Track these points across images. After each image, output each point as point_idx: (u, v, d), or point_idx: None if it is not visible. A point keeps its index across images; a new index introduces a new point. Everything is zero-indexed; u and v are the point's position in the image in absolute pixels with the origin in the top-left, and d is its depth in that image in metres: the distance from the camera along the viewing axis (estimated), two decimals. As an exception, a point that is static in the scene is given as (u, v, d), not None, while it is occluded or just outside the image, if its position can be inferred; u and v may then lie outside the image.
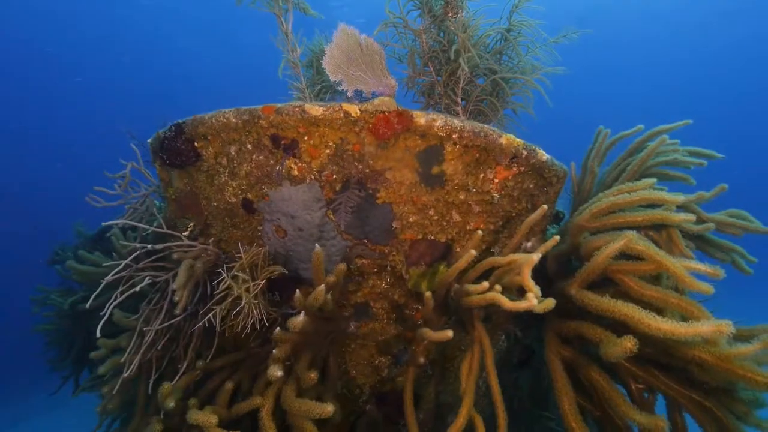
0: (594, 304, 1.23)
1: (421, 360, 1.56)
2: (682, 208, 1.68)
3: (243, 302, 1.43)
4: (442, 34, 1.63)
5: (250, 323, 1.45)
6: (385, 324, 1.96)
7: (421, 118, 1.56)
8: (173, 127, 1.76)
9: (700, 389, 1.33)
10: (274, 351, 1.35)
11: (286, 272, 1.80)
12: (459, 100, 1.73)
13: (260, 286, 1.49)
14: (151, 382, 1.67)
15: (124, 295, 1.49)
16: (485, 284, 1.27)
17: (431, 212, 1.75)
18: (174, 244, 1.69)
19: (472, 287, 1.30)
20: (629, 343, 1.10)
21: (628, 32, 22.71)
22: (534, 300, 1.10)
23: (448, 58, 1.61)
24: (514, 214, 1.90)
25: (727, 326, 0.99)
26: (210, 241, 1.84)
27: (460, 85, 1.71)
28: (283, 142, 1.62)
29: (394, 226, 1.74)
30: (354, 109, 1.52)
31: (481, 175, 1.73)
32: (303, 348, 1.57)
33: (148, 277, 1.57)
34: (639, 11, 21.20)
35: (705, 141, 1.90)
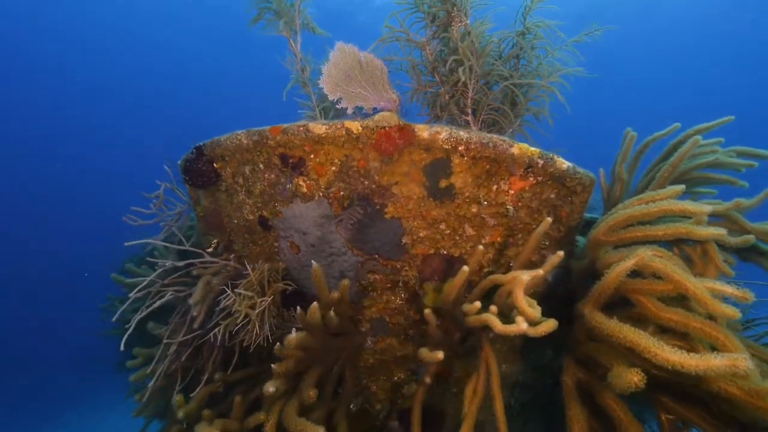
0: (601, 327, 1.13)
1: (427, 380, 1.52)
2: (721, 217, 1.50)
3: (245, 318, 1.47)
4: (444, 44, 1.59)
5: (260, 338, 1.49)
6: (402, 340, 1.94)
7: (424, 131, 1.53)
8: (194, 150, 1.86)
9: (737, 426, 1.19)
10: (273, 366, 1.37)
11: (295, 287, 1.83)
12: (468, 110, 1.68)
13: (267, 302, 1.53)
14: (176, 391, 1.77)
15: (148, 309, 1.59)
16: (477, 304, 1.21)
17: (442, 226, 1.71)
18: (196, 260, 1.78)
19: (467, 307, 1.25)
20: (636, 378, 1.00)
21: (635, 26, 20.63)
22: (523, 324, 1.03)
23: (451, 68, 1.57)
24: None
25: (743, 361, 0.87)
26: (231, 256, 1.92)
27: (469, 95, 1.65)
28: (291, 160, 1.66)
29: (404, 241, 1.72)
30: (356, 126, 1.53)
31: (494, 187, 1.67)
32: (311, 363, 1.58)
33: (171, 292, 1.66)
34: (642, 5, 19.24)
35: (751, 141, 1.69)
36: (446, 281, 1.82)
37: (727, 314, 1.05)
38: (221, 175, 1.89)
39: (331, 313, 1.48)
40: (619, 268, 1.16)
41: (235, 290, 1.51)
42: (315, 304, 1.40)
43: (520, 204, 1.72)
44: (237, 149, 1.74)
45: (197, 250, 1.79)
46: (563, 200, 1.80)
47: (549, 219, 1.41)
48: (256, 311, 1.49)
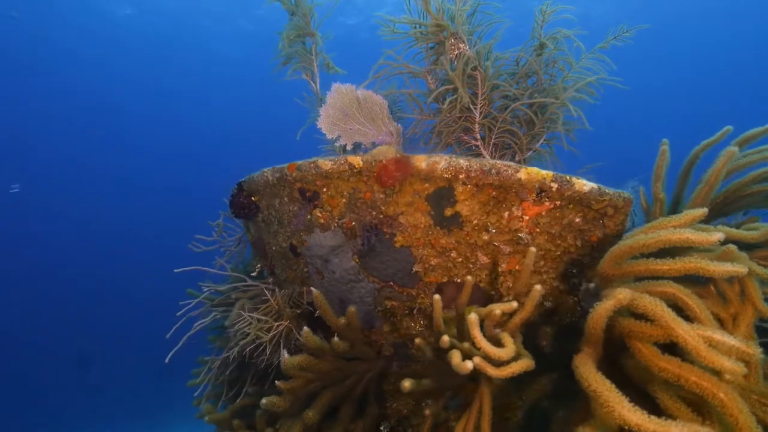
0: (576, 372, 1.05)
1: (427, 413, 1.51)
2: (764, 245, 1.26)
3: (259, 340, 1.62)
4: (443, 72, 1.58)
5: (275, 357, 1.63)
6: (426, 366, 1.93)
7: (422, 162, 1.55)
8: (236, 186, 2.10)
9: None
10: (277, 383, 1.49)
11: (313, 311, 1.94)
12: (477, 135, 1.64)
13: (283, 326, 1.67)
14: (221, 402, 1.99)
15: (194, 330, 1.83)
16: (445, 338, 1.19)
17: (453, 254, 1.70)
18: (240, 284, 2.00)
19: (442, 340, 1.24)
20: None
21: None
22: (469, 364, 1.00)
23: (450, 97, 1.56)
24: (559, 253, 1.69)
25: None
26: (270, 280, 2.12)
27: (476, 119, 1.62)
28: (308, 194, 1.79)
29: (415, 269, 1.74)
30: (357, 161, 1.61)
31: (506, 214, 1.61)
32: (325, 384, 1.68)
33: (214, 313, 1.89)
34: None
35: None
36: (469, 307, 1.79)
37: (725, 369, 0.91)
38: (259, 207, 2.09)
39: (335, 338, 1.57)
40: (599, 308, 1.06)
41: (249, 314, 1.68)
42: (306, 329, 1.50)
43: (537, 230, 1.63)
44: (266, 185, 1.93)
45: (240, 275, 2.00)
46: (593, 224, 1.66)
47: (533, 249, 1.33)
48: (270, 334, 1.63)
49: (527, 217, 1.62)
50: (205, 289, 1.93)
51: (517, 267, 1.71)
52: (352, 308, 1.66)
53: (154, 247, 26.08)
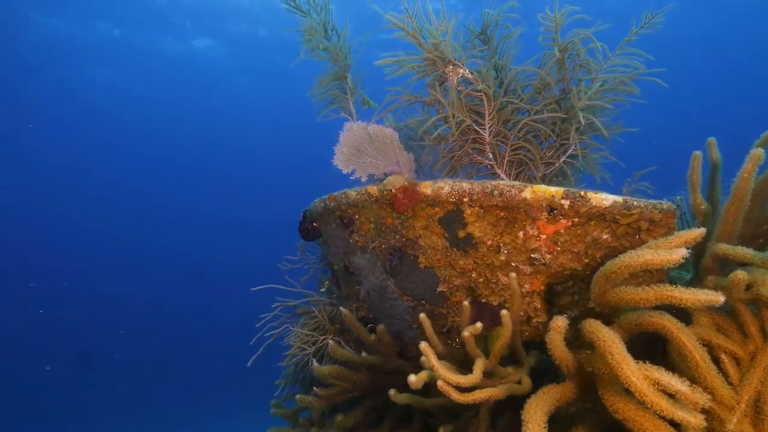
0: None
1: None
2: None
3: (303, 352, 1.87)
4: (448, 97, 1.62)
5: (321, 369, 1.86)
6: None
7: (427, 188, 1.63)
8: (302, 214, 2.42)
9: None
10: (315, 388, 1.72)
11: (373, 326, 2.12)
12: (489, 155, 1.63)
13: (325, 340, 1.89)
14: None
15: (270, 341, 2.20)
16: (422, 375, 1.26)
17: (474, 275, 1.72)
18: (309, 299, 2.32)
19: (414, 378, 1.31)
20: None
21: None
22: (416, 383, 1.08)
23: (457, 122, 1.59)
24: (588, 273, 1.58)
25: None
26: (334, 296, 2.38)
27: (487, 139, 1.62)
28: (345, 220, 2.00)
29: (440, 289, 1.80)
30: (374, 190, 1.76)
31: (520, 233, 1.59)
32: (363, 394, 1.86)
33: (285, 325, 2.24)
34: None
35: None
36: (494, 328, 1.77)
37: (667, 414, 0.85)
38: (320, 232, 2.38)
39: (363, 353, 1.73)
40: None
41: (296, 329, 1.95)
42: (331, 342, 1.69)
43: (558, 249, 1.57)
44: (319, 213, 2.20)
45: (307, 291, 2.32)
46: (626, 240, 1.52)
47: (513, 275, 1.31)
48: (315, 347, 1.87)
49: (544, 236, 1.56)
50: (277, 305, 2.28)
51: (541, 287, 1.65)
52: (381, 326, 1.80)
53: (155, 247, 26.89)
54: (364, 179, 1.72)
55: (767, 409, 0.95)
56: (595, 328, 1.00)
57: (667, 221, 1.47)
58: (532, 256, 1.59)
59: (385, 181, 1.70)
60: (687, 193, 1.56)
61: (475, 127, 1.58)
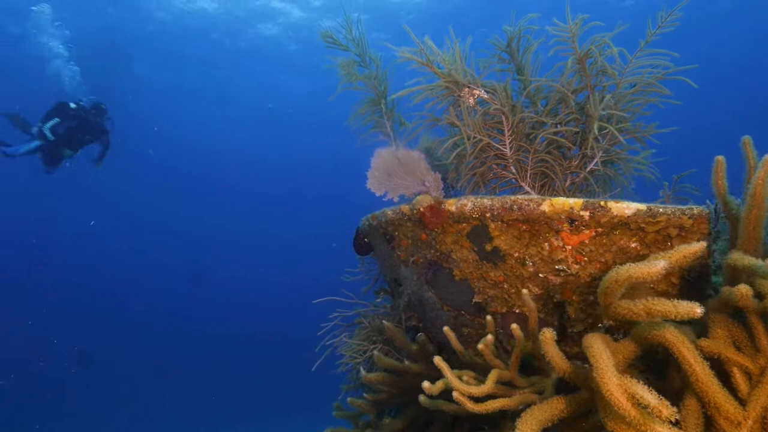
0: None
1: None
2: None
3: (354, 359, 2.05)
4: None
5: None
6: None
7: (452, 205, 1.74)
8: (356, 231, 2.62)
9: None
10: (364, 394, 1.90)
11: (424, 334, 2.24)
12: (512, 168, 1.68)
13: (370, 349, 2.06)
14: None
15: (329, 352, 2.43)
16: (425, 384, 1.36)
17: (506, 286, 1.78)
18: (362, 310, 2.52)
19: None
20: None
21: None
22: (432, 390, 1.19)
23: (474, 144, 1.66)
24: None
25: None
26: (389, 306, 2.55)
27: (508, 154, 1.67)
28: (387, 237, 2.16)
29: (476, 300, 1.88)
30: (407, 209, 1.90)
31: (545, 245, 1.63)
32: (409, 401, 2.00)
33: (344, 334, 2.45)
34: None
35: None
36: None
37: (636, 424, 0.90)
38: (372, 246, 2.56)
39: (405, 362, 1.87)
40: (546, 351, 1.10)
41: (347, 339, 2.13)
42: (376, 352, 1.84)
43: (586, 259, 1.58)
44: (366, 230, 2.39)
45: (363, 302, 2.51)
46: (656, 247, 1.50)
47: (525, 291, 1.36)
48: (365, 356, 2.04)
49: (570, 247, 1.58)
50: (336, 315, 2.50)
51: (574, 297, 1.65)
52: (421, 335, 1.92)
53: (155, 249, 26.60)
54: (396, 200, 1.86)
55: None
56: (589, 342, 1.05)
57: (700, 227, 1.42)
58: (558, 267, 1.61)
59: (413, 201, 1.82)
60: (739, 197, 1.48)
61: (495, 144, 1.64)
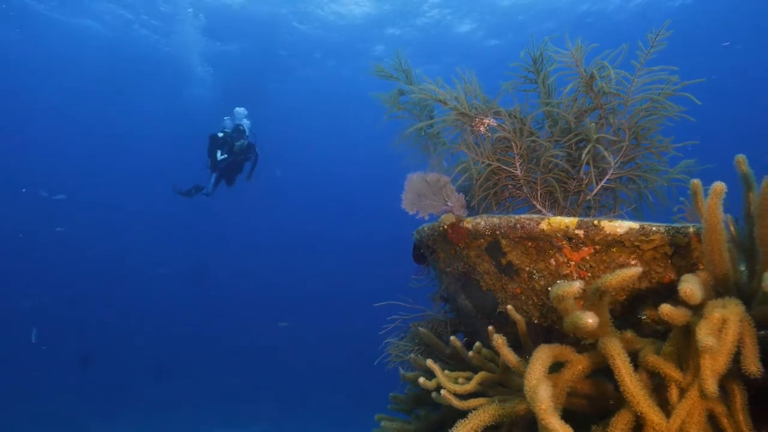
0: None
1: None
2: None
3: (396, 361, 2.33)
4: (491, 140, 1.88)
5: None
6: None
7: (468, 223, 1.95)
8: (413, 245, 2.92)
9: None
10: (390, 394, 2.19)
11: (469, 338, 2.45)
12: (524, 189, 1.82)
13: (415, 350, 2.33)
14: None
15: (386, 354, 2.77)
16: (421, 380, 1.59)
17: (523, 298, 1.93)
18: (419, 314, 2.82)
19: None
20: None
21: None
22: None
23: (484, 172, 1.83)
24: (625, 297, 1.63)
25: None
26: (444, 311, 2.80)
27: (520, 176, 1.82)
28: (429, 249, 2.43)
29: (500, 309, 2.05)
30: (437, 226, 2.15)
31: (552, 261, 1.77)
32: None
33: (402, 336, 2.77)
34: None
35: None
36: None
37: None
38: (426, 257, 2.83)
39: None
40: (501, 351, 1.30)
41: (394, 340, 2.42)
42: (412, 355, 2.12)
43: (589, 275, 1.68)
44: (418, 242, 2.67)
45: (419, 307, 2.80)
46: (656, 264, 1.56)
47: (510, 306, 1.52)
48: (410, 356, 2.32)
49: (573, 263, 1.69)
50: (396, 317, 2.82)
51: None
52: (454, 339, 2.15)
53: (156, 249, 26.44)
54: (426, 218, 2.12)
55: None
56: (535, 354, 1.23)
57: (697, 245, 1.43)
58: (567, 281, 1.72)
59: (439, 220, 2.07)
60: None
61: (505, 167, 1.81)
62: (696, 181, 1.29)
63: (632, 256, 1.55)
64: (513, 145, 1.80)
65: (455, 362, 2.22)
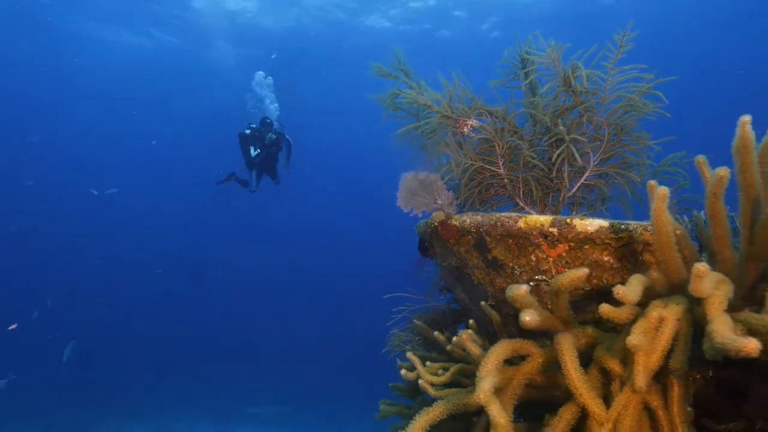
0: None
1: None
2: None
3: (398, 348, 2.46)
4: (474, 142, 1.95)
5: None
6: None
7: (456, 221, 2.04)
8: (419, 240, 3.02)
9: None
10: (390, 385, 2.32)
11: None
12: (507, 187, 1.88)
13: (416, 341, 2.45)
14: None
15: (400, 342, 2.91)
16: (403, 371, 1.71)
17: (509, 291, 2.00)
18: (425, 305, 2.93)
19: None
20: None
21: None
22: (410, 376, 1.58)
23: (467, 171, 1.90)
24: (596, 293, 1.69)
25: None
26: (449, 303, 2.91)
27: (503, 175, 1.88)
28: (427, 244, 2.52)
29: (490, 302, 2.13)
30: (430, 223, 2.25)
31: (532, 257, 1.84)
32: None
33: (408, 324, 2.90)
34: None
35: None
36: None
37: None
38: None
39: (433, 354, 2.24)
40: (467, 346, 1.41)
41: (394, 332, 2.54)
42: (408, 352, 2.24)
43: (566, 270, 1.73)
44: (422, 236, 2.77)
45: (425, 298, 2.91)
46: (627, 261, 1.60)
47: (483, 302, 1.61)
48: (408, 346, 2.45)
49: (551, 259, 1.75)
50: (402, 308, 2.94)
51: (563, 305, 1.80)
52: (437, 333, 2.25)
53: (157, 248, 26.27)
54: (420, 215, 2.22)
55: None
56: (492, 348, 1.33)
57: (664, 242, 1.46)
58: (545, 276, 1.78)
59: (431, 217, 2.16)
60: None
61: (488, 167, 1.87)
62: (652, 183, 1.32)
63: (605, 253, 1.60)
64: (495, 145, 1.86)
65: (442, 353, 2.33)
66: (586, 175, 1.75)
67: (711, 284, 1.00)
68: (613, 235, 1.52)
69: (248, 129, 8.41)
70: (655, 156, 1.92)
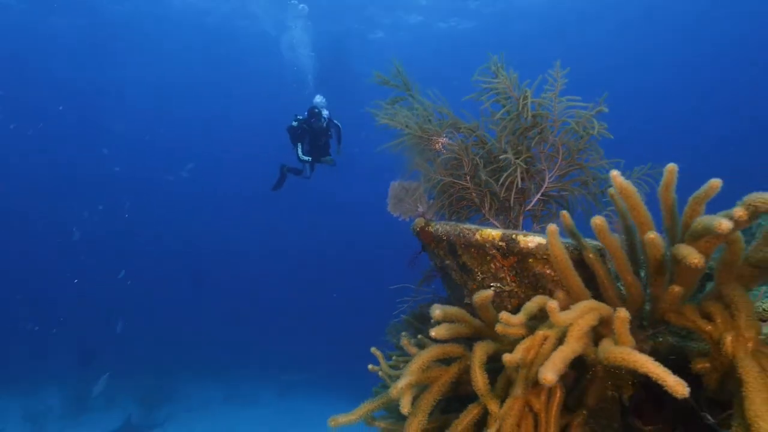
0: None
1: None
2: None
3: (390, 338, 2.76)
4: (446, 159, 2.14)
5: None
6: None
7: (432, 227, 2.27)
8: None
9: None
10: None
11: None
12: (475, 199, 2.06)
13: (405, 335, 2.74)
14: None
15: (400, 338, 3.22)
16: (371, 366, 2.00)
17: (479, 293, 2.22)
18: (428, 296, 3.21)
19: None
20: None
21: None
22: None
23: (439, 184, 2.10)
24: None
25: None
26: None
27: (471, 188, 2.07)
28: (422, 243, 2.77)
29: (466, 301, 2.36)
30: (414, 227, 2.49)
31: (492, 265, 2.04)
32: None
33: (405, 315, 3.20)
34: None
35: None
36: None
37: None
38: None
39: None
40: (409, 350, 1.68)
41: (392, 323, 2.83)
42: (403, 333, 2.53)
43: (518, 279, 1.94)
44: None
45: (429, 289, 3.18)
46: None
47: (436, 307, 1.85)
48: (403, 335, 2.74)
49: (506, 268, 1.95)
50: (407, 299, 3.22)
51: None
52: (404, 334, 2.51)
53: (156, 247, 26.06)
54: (406, 220, 2.47)
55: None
56: (420, 351, 1.59)
57: (592, 260, 1.61)
58: (502, 283, 1.98)
59: (414, 223, 2.40)
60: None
61: (457, 181, 2.07)
62: (564, 212, 1.49)
63: (546, 266, 1.77)
64: (464, 161, 2.04)
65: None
66: (541, 191, 1.89)
67: (572, 315, 1.19)
68: (548, 252, 1.69)
69: (295, 121, 8.68)
70: (624, 166, 2.01)
